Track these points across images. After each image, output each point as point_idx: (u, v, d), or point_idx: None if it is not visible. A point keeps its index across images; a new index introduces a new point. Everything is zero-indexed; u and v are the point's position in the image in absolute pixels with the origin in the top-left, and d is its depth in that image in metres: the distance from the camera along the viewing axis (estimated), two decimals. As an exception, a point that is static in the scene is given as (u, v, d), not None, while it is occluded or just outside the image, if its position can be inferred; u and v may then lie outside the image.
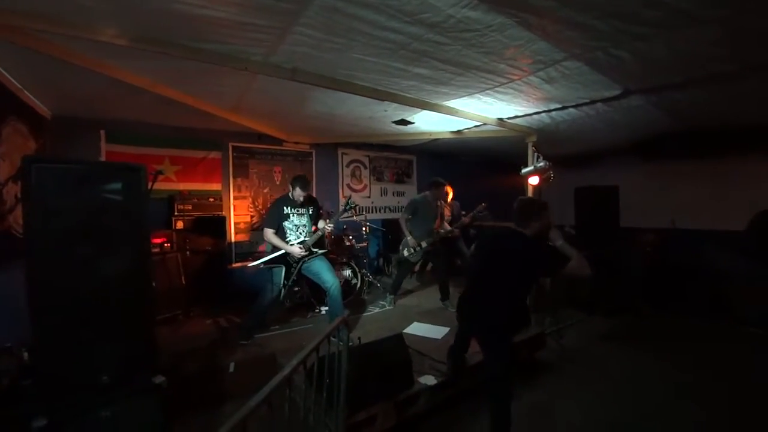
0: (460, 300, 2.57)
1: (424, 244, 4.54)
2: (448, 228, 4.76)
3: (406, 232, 4.51)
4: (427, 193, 4.69)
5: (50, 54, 2.60)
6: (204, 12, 2.17)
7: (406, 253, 4.60)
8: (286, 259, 3.61)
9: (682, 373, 3.38)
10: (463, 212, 5.52)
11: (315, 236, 3.72)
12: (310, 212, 3.83)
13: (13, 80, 3.16)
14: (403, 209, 4.74)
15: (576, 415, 2.75)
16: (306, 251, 3.65)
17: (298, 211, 3.73)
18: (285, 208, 3.68)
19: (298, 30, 2.38)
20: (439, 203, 4.72)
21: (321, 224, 3.80)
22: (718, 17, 2.13)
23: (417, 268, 5.98)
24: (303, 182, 3.70)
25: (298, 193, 3.67)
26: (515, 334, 2.50)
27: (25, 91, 3.44)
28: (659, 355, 3.76)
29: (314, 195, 6.05)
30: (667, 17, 2.15)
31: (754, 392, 3.06)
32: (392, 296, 4.82)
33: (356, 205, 4.16)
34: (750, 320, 4.49)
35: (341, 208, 4.08)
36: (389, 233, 6.41)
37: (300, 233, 3.70)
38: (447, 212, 5.43)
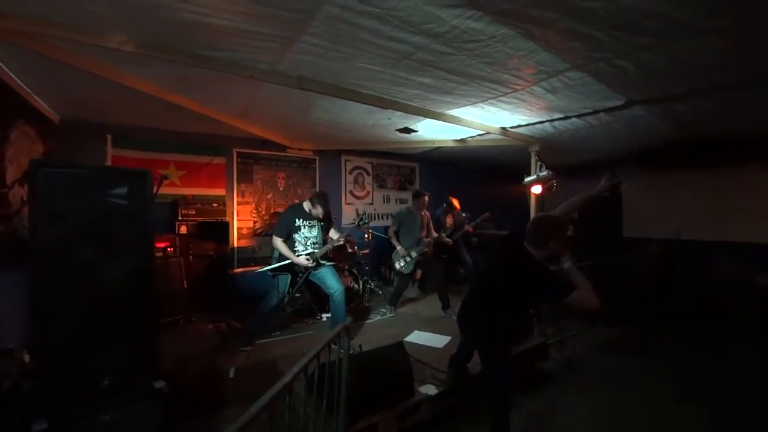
0: (461, 308, 2.56)
1: (414, 254, 4.63)
2: (435, 235, 4.83)
3: (396, 244, 4.68)
4: (410, 204, 4.89)
5: (59, 59, 2.64)
6: (211, 20, 2.20)
7: (398, 265, 4.70)
8: (292, 268, 3.60)
9: (687, 383, 3.35)
10: (467, 221, 5.54)
11: (324, 249, 3.70)
12: (322, 224, 3.80)
13: (22, 84, 3.21)
14: (391, 222, 4.92)
15: (579, 425, 2.73)
16: (313, 263, 3.63)
17: (309, 223, 3.69)
18: (297, 219, 3.65)
19: (304, 39, 2.41)
20: (423, 213, 4.82)
21: (334, 234, 3.82)
22: (717, 27, 2.14)
23: (419, 276, 5.97)
24: (324, 201, 3.67)
25: (318, 212, 3.66)
26: (515, 344, 2.47)
27: (34, 95, 3.49)
28: (663, 365, 3.73)
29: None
30: (667, 28, 2.16)
31: (761, 402, 3.02)
32: (392, 306, 4.82)
33: (368, 222, 4.16)
34: (756, 329, 4.46)
35: (356, 222, 4.07)
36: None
37: (309, 245, 3.68)
38: (449, 221, 5.45)
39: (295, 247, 3.63)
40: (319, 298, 4.45)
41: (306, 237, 3.67)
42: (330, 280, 3.65)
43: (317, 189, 6.22)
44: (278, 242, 3.59)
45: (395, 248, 4.68)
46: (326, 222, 3.86)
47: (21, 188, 3.12)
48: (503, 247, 2.49)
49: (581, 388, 3.28)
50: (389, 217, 7.07)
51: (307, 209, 3.69)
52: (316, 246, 3.70)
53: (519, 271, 2.19)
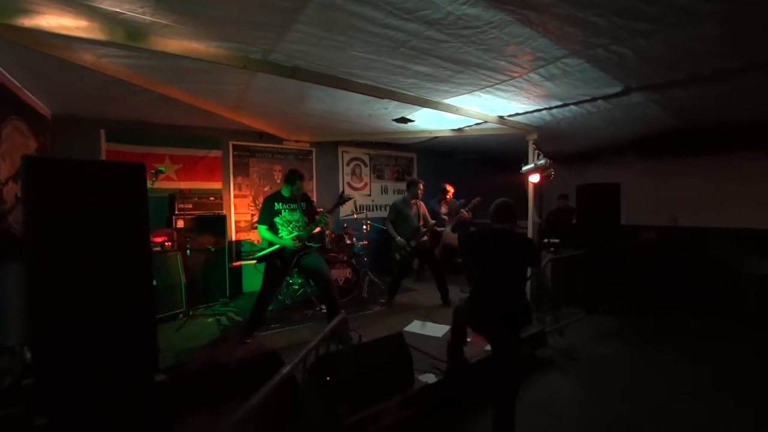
0: (477, 304, 2.56)
1: (413, 243, 4.59)
2: (433, 222, 4.77)
3: (394, 235, 4.63)
4: (406, 194, 4.81)
5: (49, 53, 2.59)
6: (202, 10, 2.16)
7: (398, 256, 4.66)
8: (282, 254, 3.59)
9: (684, 371, 3.38)
10: (462, 207, 5.51)
11: (309, 230, 3.70)
12: (303, 207, 3.79)
13: (13, 80, 3.16)
14: (388, 214, 4.88)
15: (577, 412, 2.76)
16: (300, 244, 3.62)
17: (289, 206, 3.71)
18: (276, 204, 3.66)
19: (297, 28, 2.37)
20: (418, 202, 4.77)
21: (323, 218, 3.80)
22: (717, 13, 2.12)
23: (416, 266, 5.98)
24: (293, 176, 3.73)
25: (299, 186, 3.71)
26: (521, 329, 2.53)
27: (26, 91, 3.44)
28: (660, 353, 3.76)
29: (314, 193, 6.07)
30: (666, 13, 2.14)
31: (757, 389, 3.06)
32: (391, 297, 4.82)
33: (350, 198, 4.12)
34: (755, 315, 4.50)
35: (335, 201, 4.02)
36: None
37: (293, 228, 3.68)
38: (444, 209, 5.43)
39: (279, 232, 3.64)
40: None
41: (288, 220, 3.67)
42: (321, 273, 3.68)
43: (314, 181, 6.21)
44: (262, 230, 3.61)
45: (394, 239, 4.65)
46: (308, 205, 3.88)
47: (15, 185, 3.10)
48: (484, 235, 2.65)
49: (578, 375, 3.32)
50: (387, 208, 7.06)
51: (285, 194, 3.72)
52: (300, 229, 3.69)
53: (511, 246, 2.47)
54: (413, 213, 4.71)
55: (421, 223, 4.74)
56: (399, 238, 4.59)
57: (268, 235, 3.59)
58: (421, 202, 4.85)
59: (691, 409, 2.79)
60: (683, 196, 5.65)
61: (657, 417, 2.70)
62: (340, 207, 4.05)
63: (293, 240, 3.58)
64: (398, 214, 4.71)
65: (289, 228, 3.67)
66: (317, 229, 3.83)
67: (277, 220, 3.64)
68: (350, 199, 4.14)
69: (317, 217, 3.79)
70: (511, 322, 2.41)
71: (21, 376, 2.25)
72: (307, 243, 3.68)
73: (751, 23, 2.23)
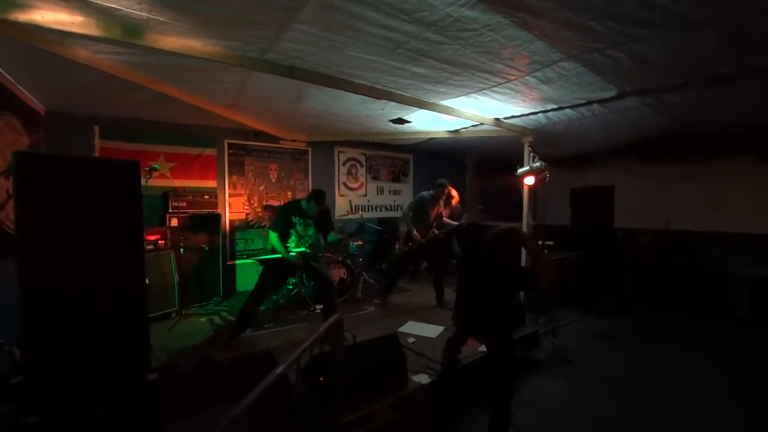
0: (459, 306, 2.61)
1: (423, 241, 4.58)
2: (436, 232, 4.76)
3: (411, 227, 4.55)
4: (432, 191, 4.79)
5: (43, 48, 2.56)
6: (201, 8, 2.15)
7: (405, 248, 4.66)
8: (283, 263, 3.59)
9: (678, 372, 3.41)
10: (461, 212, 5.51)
11: (315, 251, 3.73)
12: (317, 222, 3.83)
13: (6, 75, 3.12)
14: (409, 204, 4.83)
15: (570, 414, 2.77)
16: (303, 263, 3.65)
17: (305, 221, 3.73)
18: (293, 217, 3.68)
19: (295, 27, 2.36)
20: (439, 203, 4.76)
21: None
22: (713, 18, 2.14)
23: (411, 267, 5.98)
24: (317, 199, 3.73)
25: (312, 207, 3.71)
26: (513, 330, 2.56)
27: (19, 86, 3.40)
28: (654, 355, 3.80)
29: (310, 192, 6.04)
30: (663, 19, 2.16)
31: (751, 391, 3.09)
32: (385, 297, 4.81)
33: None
34: (747, 318, 4.55)
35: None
36: (385, 232, 6.42)
37: (302, 243, 3.70)
38: (446, 213, 5.43)
39: (288, 243, 3.65)
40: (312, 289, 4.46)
41: (300, 235, 3.70)
42: (321, 273, 3.70)
43: (310, 181, 6.19)
44: (273, 237, 3.59)
45: (410, 231, 4.55)
46: (325, 221, 3.87)
47: (6, 180, 3.06)
48: (475, 246, 2.64)
49: (572, 377, 3.34)
50: (383, 208, 7.07)
51: (303, 206, 3.73)
52: (309, 247, 3.72)
53: (495, 273, 2.44)
54: (432, 212, 4.69)
55: (435, 223, 4.72)
56: (415, 231, 4.53)
57: (278, 245, 3.58)
58: (443, 203, 4.84)
59: (685, 410, 2.82)
60: (677, 199, 5.71)
61: (651, 419, 2.72)
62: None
63: (296, 257, 3.60)
64: (420, 208, 4.66)
65: (298, 242, 3.70)
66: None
67: (290, 230, 3.66)
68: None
69: (329, 234, 3.81)
70: (499, 324, 2.42)
71: (9, 374, 2.22)
72: (310, 263, 3.71)
73: (746, 29, 2.26)
